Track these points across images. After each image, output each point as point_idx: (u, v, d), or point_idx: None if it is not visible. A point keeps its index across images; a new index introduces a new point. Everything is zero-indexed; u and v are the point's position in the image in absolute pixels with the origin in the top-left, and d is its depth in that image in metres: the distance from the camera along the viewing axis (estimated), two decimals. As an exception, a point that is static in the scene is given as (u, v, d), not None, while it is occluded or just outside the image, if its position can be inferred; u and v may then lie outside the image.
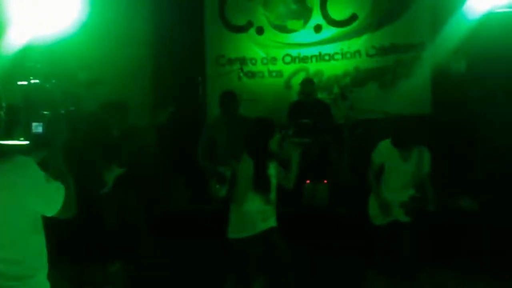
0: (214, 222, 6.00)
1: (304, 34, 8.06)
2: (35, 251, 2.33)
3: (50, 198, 2.29)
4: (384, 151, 5.20)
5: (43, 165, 2.44)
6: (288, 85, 8.09)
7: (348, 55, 7.90)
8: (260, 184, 4.10)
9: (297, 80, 7.90)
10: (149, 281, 4.91)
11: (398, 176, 5.14)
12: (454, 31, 6.84)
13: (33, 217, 2.30)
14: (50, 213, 2.33)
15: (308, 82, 7.21)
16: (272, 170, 4.21)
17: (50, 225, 2.45)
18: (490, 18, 6.43)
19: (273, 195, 4.21)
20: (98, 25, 6.57)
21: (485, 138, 6.27)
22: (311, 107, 6.98)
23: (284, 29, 8.12)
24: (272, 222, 4.23)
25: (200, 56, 8.19)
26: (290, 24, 8.10)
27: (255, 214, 4.14)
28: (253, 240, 4.08)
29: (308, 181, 6.37)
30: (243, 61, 8.16)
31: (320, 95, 7.52)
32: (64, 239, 5.56)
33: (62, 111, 2.63)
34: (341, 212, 6.34)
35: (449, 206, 4.68)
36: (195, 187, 7.06)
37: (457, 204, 4.57)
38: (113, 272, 5.67)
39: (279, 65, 8.14)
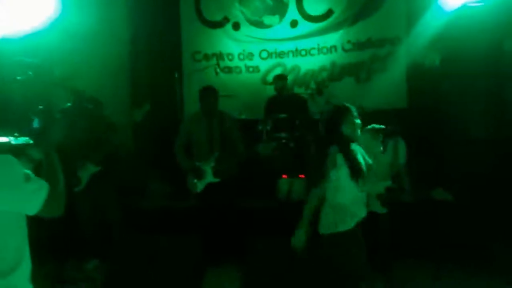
0: (192, 217, 6.02)
1: (281, 29, 8.08)
2: (14, 249, 2.29)
3: (27, 197, 2.23)
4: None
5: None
6: (265, 80, 8.10)
7: (325, 50, 7.94)
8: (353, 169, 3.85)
9: (273, 76, 7.93)
10: (126, 278, 4.88)
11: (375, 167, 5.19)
12: (428, 26, 6.92)
13: (12, 215, 2.26)
14: (29, 212, 2.29)
15: (278, 78, 7.22)
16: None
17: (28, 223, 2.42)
18: (464, 13, 6.50)
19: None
20: (75, 21, 6.49)
21: (460, 131, 6.35)
22: (287, 102, 7.00)
23: (260, 25, 8.13)
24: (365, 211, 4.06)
25: (177, 52, 8.17)
26: (266, 19, 8.11)
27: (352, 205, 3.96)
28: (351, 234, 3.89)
29: (284, 176, 6.39)
30: (219, 56, 8.15)
31: (297, 90, 7.55)
32: (41, 237, 5.54)
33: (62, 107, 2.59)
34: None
35: (424, 197, 4.74)
36: (173, 183, 7.05)
37: (431, 195, 4.63)
38: (90, 270, 5.66)
39: (256, 61, 8.16)
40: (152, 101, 5.64)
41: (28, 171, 2.26)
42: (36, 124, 2.47)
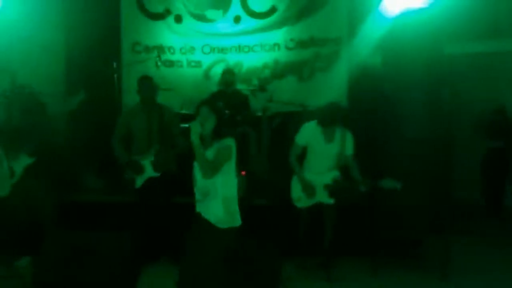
0: (129, 213, 5.85)
1: (224, 24, 7.95)
2: None
3: None
4: (308, 132, 5.31)
5: None
6: (207, 75, 7.96)
7: (267, 47, 7.87)
8: None
9: (216, 71, 7.82)
10: (57, 275, 4.66)
11: (322, 158, 5.25)
12: (371, 28, 7.01)
13: None
14: None
15: (229, 72, 7.20)
16: None
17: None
18: (406, 16, 6.62)
19: None
20: (10, 8, 6.24)
21: (398, 130, 6.45)
22: (230, 98, 6.93)
23: (203, 19, 7.97)
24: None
25: (116, 42, 7.89)
26: (209, 13, 7.96)
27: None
28: None
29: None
30: (160, 49, 7.93)
31: (239, 87, 7.47)
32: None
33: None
34: (258, 203, 6.33)
35: (372, 187, 4.82)
36: (109, 177, 6.84)
37: (379, 184, 4.70)
38: (21, 267, 5.42)
39: (198, 55, 7.99)
40: (89, 91, 5.42)
41: None
42: None
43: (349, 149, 5.24)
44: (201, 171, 3.77)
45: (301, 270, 5.44)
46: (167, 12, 7.98)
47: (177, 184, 5.77)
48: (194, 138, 3.69)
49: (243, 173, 6.40)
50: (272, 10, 7.83)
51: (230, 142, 3.86)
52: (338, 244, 5.33)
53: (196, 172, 3.87)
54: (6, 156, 5.32)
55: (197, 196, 3.89)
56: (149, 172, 5.54)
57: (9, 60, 6.53)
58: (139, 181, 5.58)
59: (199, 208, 3.91)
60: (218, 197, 3.82)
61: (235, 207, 3.92)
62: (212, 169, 3.74)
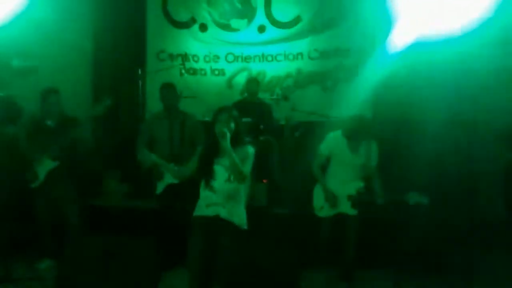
0: (149, 219, 5.88)
1: (248, 33, 7.99)
2: None
3: None
4: (332, 142, 5.26)
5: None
6: (230, 84, 7.99)
7: (291, 57, 7.88)
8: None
9: (239, 80, 7.86)
10: (78, 279, 4.69)
11: (346, 168, 5.20)
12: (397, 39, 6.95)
13: None
14: None
15: (254, 81, 7.20)
16: None
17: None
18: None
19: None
20: (38, 14, 6.32)
21: (421, 142, 6.39)
22: (253, 106, 6.93)
23: (227, 28, 8.03)
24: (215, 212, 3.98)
25: (141, 49, 7.98)
26: (234, 23, 8.02)
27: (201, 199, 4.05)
28: None
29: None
30: (184, 57, 8.01)
31: (262, 96, 7.48)
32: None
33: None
34: (279, 212, 6.31)
35: (397, 201, 4.76)
36: (131, 182, 6.89)
37: (405, 199, 4.65)
38: (43, 269, 5.46)
39: (222, 64, 8.03)
40: (113, 97, 5.49)
41: None
42: None
43: (374, 159, 5.19)
44: (235, 176, 3.85)
45: (321, 281, 5.39)
46: (192, 20, 8.06)
47: (197, 191, 5.79)
48: (226, 144, 3.75)
49: (265, 181, 6.40)
50: (297, 20, 7.85)
51: (250, 150, 3.95)
52: (360, 256, 5.28)
53: (219, 175, 3.91)
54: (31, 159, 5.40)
55: (217, 199, 3.90)
56: (170, 178, 5.56)
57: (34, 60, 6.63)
58: (160, 187, 5.61)
59: (216, 211, 3.92)
60: (242, 202, 3.95)
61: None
62: (243, 174, 3.83)
